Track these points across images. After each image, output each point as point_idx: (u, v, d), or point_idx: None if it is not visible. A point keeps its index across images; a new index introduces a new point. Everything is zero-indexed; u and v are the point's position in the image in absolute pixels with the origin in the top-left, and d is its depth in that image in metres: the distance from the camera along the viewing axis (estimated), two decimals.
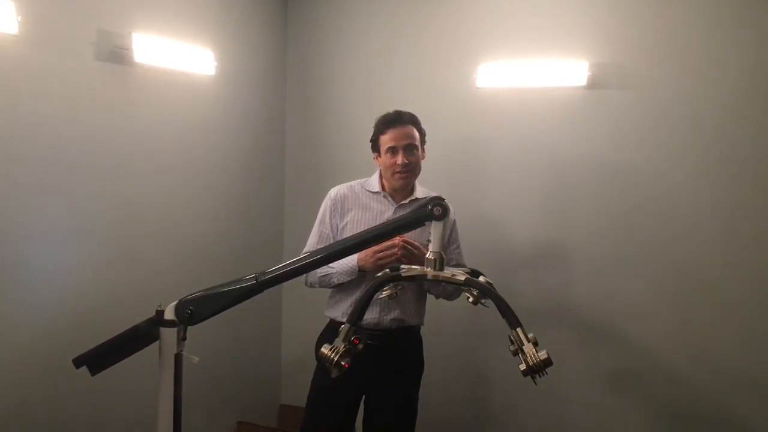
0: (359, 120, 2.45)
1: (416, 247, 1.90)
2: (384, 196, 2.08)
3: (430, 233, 1.48)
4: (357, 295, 2.00)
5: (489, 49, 2.61)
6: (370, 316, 2.01)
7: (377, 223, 1.91)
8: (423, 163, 2.08)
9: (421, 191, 2.10)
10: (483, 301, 1.65)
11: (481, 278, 1.63)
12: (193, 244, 2.52)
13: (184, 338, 1.40)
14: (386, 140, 2.01)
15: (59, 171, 1.91)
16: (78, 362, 1.38)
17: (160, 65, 2.22)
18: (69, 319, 1.96)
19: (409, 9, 2.77)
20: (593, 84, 2.45)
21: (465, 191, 2.70)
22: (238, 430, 2.92)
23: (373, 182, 2.12)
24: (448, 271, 1.50)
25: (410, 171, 2.02)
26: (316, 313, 2.17)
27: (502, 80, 2.59)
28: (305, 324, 2.34)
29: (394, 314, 2.04)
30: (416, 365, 2.18)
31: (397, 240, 1.89)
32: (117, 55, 2.06)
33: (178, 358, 1.39)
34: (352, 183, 2.14)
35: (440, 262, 1.48)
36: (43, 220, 1.88)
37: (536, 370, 1.26)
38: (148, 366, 1.48)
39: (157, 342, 1.39)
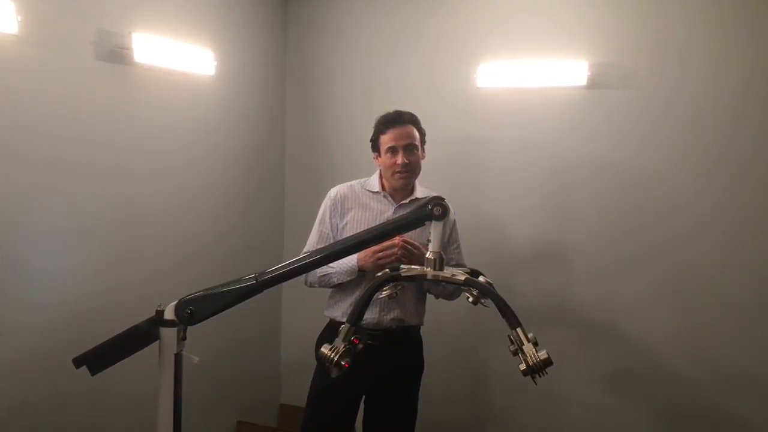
0: (359, 120, 2.45)
1: (416, 247, 1.90)
2: (384, 196, 2.08)
3: (430, 233, 1.48)
4: (357, 295, 2.00)
5: (489, 49, 2.61)
6: (370, 316, 2.01)
7: (377, 223, 1.92)
8: (423, 163, 2.08)
9: (421, 191, 2.10)
10: (483, 301, 1.64)
11: (481, 278, 1.63)
12: (193, 244, 2.52)
13: (184, 338, 1.40)
14: (386, 140, 2.01)
15: (59, 171, 1.91)
16: (78, 362, 1.38)
17: (160, 65, 2.23)
18: (69, 319, 1.96)
19: (409, 9, 2.77)
20: (593, 84, 2.45)
21: (465, 191, 2.70)
22: (238, 429, 2.92)
23: (373, 182, 2.12)
24: (448, 271, 1.50)
25: (410, 171, 2.02)
26: (315, 313, 2.17)
27: (502, 80, 2.59)
28: (305, 324, 2.34)
29: (394, 314, 2.04)
30: (416, 365, 2.18)
31: (396, 240, 1.89)
32: (117, 55, 2.06)
33: (178, 358, 1.39)
34: (352, 183, 2.14)
35: (440, 262, 1.48)
36: (43, 220, 1.88)
37: (536, 370, 1.26)
38: (148, 366, 1.48)
39: (157, 342, 1.39)
